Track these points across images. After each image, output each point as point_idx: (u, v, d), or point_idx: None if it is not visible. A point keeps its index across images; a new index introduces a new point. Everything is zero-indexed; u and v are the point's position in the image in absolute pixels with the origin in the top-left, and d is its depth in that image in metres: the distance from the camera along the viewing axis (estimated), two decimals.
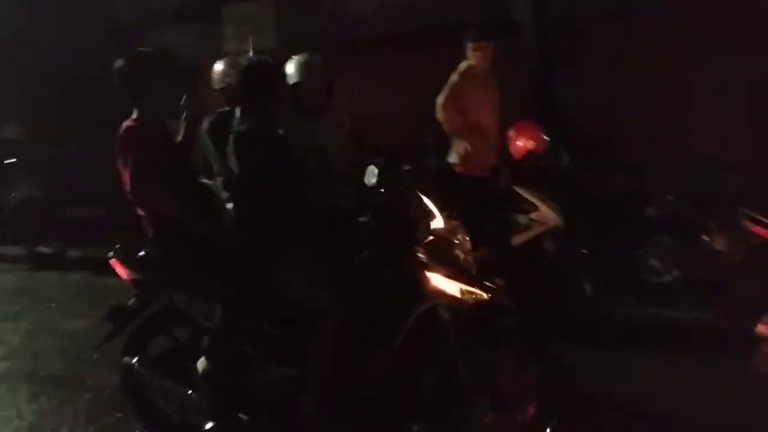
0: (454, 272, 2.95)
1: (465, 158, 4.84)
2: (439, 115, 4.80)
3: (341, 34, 7.46)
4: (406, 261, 3.01)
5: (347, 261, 3.12)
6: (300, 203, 3.10)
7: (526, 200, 4.96)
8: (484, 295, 2.96)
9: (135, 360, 3.31)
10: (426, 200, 3.14)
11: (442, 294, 2.93)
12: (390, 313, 3.00)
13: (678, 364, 4.01)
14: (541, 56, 6.96)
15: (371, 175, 3.20)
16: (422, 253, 2.99)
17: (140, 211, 3.21)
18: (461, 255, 3.08)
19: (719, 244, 5.11)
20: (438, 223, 3.11)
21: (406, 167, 3.18)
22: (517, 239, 4.90)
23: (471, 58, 4.87)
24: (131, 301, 3.34)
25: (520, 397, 3.03)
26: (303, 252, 3.06)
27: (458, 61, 5.02)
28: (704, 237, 5.17)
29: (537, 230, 4.88)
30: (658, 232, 5.57)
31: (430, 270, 2.96)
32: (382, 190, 3.14)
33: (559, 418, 2.99)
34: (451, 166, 4.97)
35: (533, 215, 4.91)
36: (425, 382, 3.00)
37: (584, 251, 5.01)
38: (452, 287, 2.92)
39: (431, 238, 3.04)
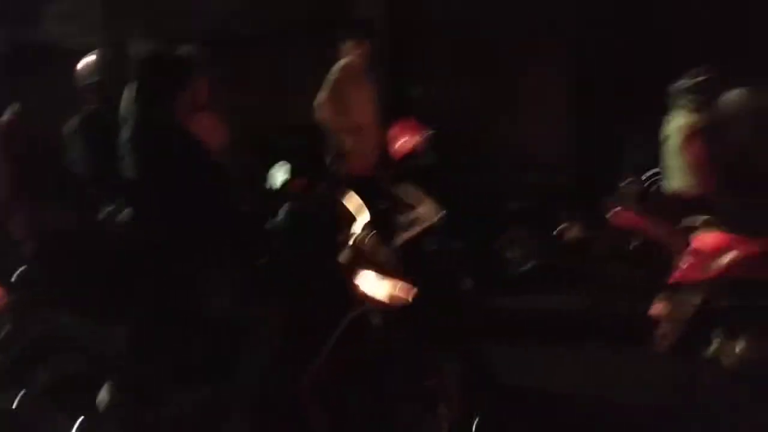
0: (387, 272, 2.87)
1: (347, 157, 4.74)
2: (321, 113, 4.67)
3: (177, 33, 7.07)
4: (330, 265, 2.88)
5: (262, 268, 2.92)
6: (213, 205, 2.84)
7: (405, 199, 4.99)
8: (414, 294, 2.91)
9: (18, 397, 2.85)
10: (347, 201, 3.02)
11: (371, 298, 2.84)
12: (315, 322, 2.85)
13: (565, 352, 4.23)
14: (395, 55, 7.07)
15: (279, 176, 3.03)
16: (349, 257, 2.87)
17: (16, 223, 2.78)
18: (388, 255, 3.01)
19: (575, 233, 5.50)
20: (358, 225, 3.01)
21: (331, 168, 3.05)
22: (400, 238, 4.90)
23: (349, 56, 4.79)
24: (4, 329, 2.88)
25: (447, 397, 3.01)
26: (223, 261, 2.81)
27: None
28: (560, 227, 5.53)
29: (418, 228, 4.92)
30: (515, 225, 5.89)
31: (357, 274, 2.85)
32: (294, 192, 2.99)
33: (484, 415, 3.01)
34: None
35: (413, 213, 4.95)
36: (356, 390, 2.89)
37: (460, 246, 5.15)
38: (385, 288, 2.83)
39: (358, 238, 2.93)
